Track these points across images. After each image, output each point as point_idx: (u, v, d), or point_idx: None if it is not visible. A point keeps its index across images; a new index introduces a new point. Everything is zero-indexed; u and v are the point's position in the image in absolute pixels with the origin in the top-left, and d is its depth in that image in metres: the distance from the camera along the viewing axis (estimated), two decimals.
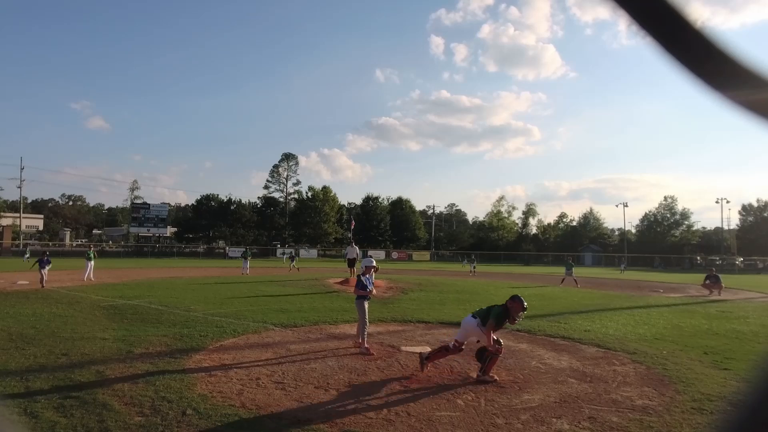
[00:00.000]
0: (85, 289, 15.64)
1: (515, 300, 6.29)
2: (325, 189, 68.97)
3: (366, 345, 7.51)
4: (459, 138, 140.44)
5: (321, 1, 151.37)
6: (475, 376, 6.16)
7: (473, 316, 6.41)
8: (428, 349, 7.82)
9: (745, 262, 53.98)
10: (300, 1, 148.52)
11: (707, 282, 19.53)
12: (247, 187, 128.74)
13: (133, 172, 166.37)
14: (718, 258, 55.72)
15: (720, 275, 19.99)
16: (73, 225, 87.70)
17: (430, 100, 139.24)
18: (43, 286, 15.55)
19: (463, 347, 6.34)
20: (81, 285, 16.86)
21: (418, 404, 5.13)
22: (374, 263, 8.11)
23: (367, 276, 7.90)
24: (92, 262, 19.32)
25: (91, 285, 17.05)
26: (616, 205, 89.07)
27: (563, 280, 23.24)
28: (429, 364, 6.48)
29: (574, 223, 75.75)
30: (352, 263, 20.72)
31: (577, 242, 68.37)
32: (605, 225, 75.67)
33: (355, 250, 21.13)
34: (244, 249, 34.25)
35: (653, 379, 6.23)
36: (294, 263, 30.58)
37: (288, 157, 72.00)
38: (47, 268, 16.38)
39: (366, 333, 7.61)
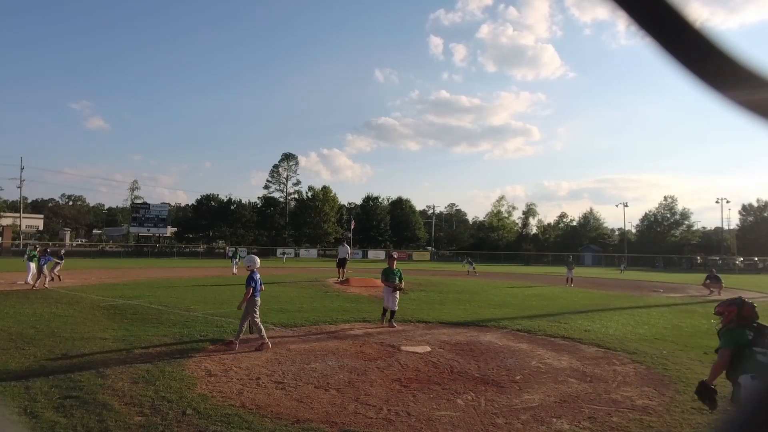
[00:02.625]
0: (85, 289, 15.64)
1: (739, 305, 4.12)
2: (325, 189, 68.94)
3: (237, 342, 7.51)
4: (458, 138, 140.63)
5: (321, 1, 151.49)
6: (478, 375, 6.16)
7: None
8: (428, 349, 7.82)
9: (745, 262, 53.93)
10: (300, 1, 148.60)
11: (707, 282, 19.57)
12: (247, 187, 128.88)
13: (133, 172, 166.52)
14: (718, 258, 55.72)
15: (720, 275, 20.02)
16: (73, 225, 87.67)
17: (430, 100, 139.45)
18: (45, 287, 15.30)
19: None
20: (82, 285, 16.85)
21: (418, 404, 5.13)
22: (258, 263, 8.02)
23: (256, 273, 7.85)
24: (33, 263, 16.72)
25: (90, 285, 17.03)
26: (616, 205, 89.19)
27: (567, 279, 23.35)
28: None
29: (574, 223, 75.71)
30: (342, 263, 20.38)
31: (577, 242, 68.32)
32: (605, 225, 75.69)
33: (346, 250, 20.95)
34: (234, 249, 33.61)
35: (653, 379, 6.23)
36: (237, 263, 25.95)
37: (288, 157, 71.99)
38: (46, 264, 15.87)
39: (243, 330, 7.65)
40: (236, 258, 26.80)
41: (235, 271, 25.36)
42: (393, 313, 9.99)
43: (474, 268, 32.37)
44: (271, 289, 16.86)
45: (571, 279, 23.04)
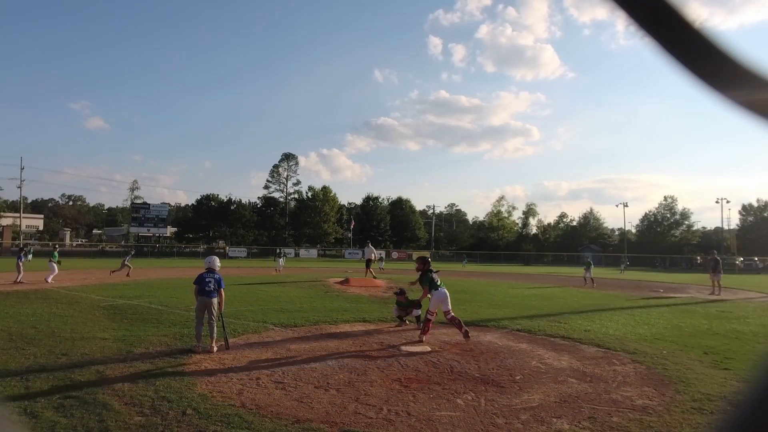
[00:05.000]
0: (85, 289, 15.64)
1: (424, 260, 9.00)
2: (325, 189, 68.95)
3: (214, 345, 7.25)
4: (458, 138, 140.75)
5: (321, 1, 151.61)
6: (478, 375, 6.17)
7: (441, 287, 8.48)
8: (428, 349, 7.84)
9: (745, 262, 53.90)
10: (300, 1, 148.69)
11: (711, 264, 20.02)
12: (247, 187, 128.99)
13: (133, 172, 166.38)
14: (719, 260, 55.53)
15: (721, 270, 19.93)
16: (73, 225, 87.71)
17: (429, 100, 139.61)
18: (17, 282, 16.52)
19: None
20: (82, 285, 16.86)
21: (418, 404, 5.13)
22: (218, 263, 7.74)
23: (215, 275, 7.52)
24: (55, 263, 18.18)
25: (90, 285, 17.03)
26: (616, 205, 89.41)
27: (585, 279, 22.82)
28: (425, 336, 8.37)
29: (574, 223, 75.75)
30: (369, 263, 21.73)
31: (577, 242, 68.35)
32: (605, 225, 75.70)
33: (372, 251, 22.10)
34: (279, 249, 36.46)
35: (653, 379, 6.22)
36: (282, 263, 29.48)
37: (288, 157, 71.98)
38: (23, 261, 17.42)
39: (211, 332, 7.33)
40: (282, 257, 30.43)
41: (280, 270, 27.41)
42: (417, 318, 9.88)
43: (383, 266, 32.05)
44: (271, 289, 16.86)
45: (591, 279, 22.50)
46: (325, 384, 5.78)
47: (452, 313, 8.33)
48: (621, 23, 0.43)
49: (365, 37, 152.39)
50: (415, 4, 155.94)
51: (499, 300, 15.42)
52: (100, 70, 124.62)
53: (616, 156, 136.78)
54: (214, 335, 7.37)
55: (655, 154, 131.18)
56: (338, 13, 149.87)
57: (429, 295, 8.46)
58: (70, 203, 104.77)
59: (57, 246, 23.55)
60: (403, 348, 7.87)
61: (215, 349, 7.25)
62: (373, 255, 22.31)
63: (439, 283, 8.51)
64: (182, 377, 5.84)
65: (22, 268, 17.36)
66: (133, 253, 25.95)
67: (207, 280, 7.45)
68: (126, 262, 21.99)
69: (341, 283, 18.77)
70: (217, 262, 7.83)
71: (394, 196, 79.05)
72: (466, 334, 8.20)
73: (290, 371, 6.31)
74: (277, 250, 33.51)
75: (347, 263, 45.43)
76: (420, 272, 8.68)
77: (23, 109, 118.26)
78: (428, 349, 7.84)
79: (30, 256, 34.80)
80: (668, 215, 68.05)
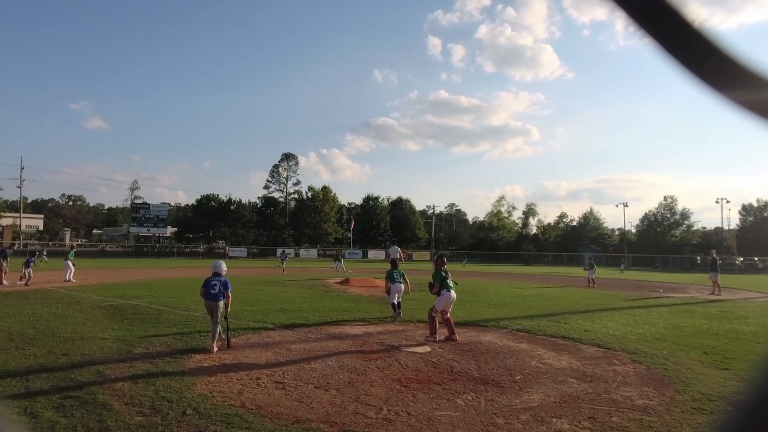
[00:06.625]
0: (85, 289, 15.64)
1: (439, 256, 9.42)
2: (325, 189, 68.90)
3: (214, 346, 7.33)
4: (458, 138, 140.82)
5: (320, 1, 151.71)
6: (477, 374, 6.18)
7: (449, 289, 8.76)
8: (428, 349, 7.84)
9: (745, 262, 53.82)
10: (299, 1, 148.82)
11: (710, 262, 19.99)
12: (247, 187, 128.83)
13: (132, 172, 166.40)
14: (718, 258, 55.49)
15: (719, 269, 19.79)
16: (73, 225, 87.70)
17: (429, 100, 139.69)
18: (27, 285, 16.33)
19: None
20: (82, 285, 16.85)
21: (418, 404, 5.13)
22: (225, 268, 7.84)
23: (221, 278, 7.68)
24: (71, 261, 18.73)
25: (90, 285, 17.04)
26: (616, 205, 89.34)
27: (589, 280, 22.48)
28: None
29: (574, 223, 75.63)
30: (395, 263, 22.00)
31: (577, 242, 68.24)
32: (605, 225, 75.60)
33: (398, 251, 22.04)
34: (336, 252, 41.06)
35: (653, 379, 6.22)
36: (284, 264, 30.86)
37: (288, 157, 71.94)
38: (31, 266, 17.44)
39: (213, 333, 7.43)
40: (341, 260, 32.29)
41: (343, 269, 29.33)
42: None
43: (342, 267, 31.77)
44: (271, 289, 16.86)
45: (593, 280, 22.23)
46: (325, 384, 5.78)
47: (449, 315, 8.69)
48: (620, 23, 0.43)
49: (365, 37, 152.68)
50: (415, 5, 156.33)
51: (499, 300, 15.42)
52: (100, 70, 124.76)
53: (615, 156, 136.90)
54: (216, 336, 7.41)
55: (655, 154, 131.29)
56: (338, 13, 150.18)
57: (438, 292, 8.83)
58: (70, 203, 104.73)
59: (74, 246, 24.43)
60: (403, 348, 7.87)
61: (215, 349, 7.27)
62: (399, 255, 22.37)
63: (450, 285, 8.81)
64: (182, 377, 5.84)
65: (30, 272, 17.16)
66: (286, 255, 32.78)
67: (213, 283, 7.54)
68: (283, 263, 27.55)
69: (341, 283, 18.78)
70: (224, 266, 7.91)
71: (394, 196, 79.13)
72: (450, 338, 8.51)
73: (290, 371, 6.31)
74: (338, 254, 37.75)
75: (347, 263, 45.40)
76: (435, 269, 9.03)
77: (23, 109, 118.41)
78: (428, 349, 7.84)
79: (46, 257, 34.80)
80: (668, 215, 67.94)
